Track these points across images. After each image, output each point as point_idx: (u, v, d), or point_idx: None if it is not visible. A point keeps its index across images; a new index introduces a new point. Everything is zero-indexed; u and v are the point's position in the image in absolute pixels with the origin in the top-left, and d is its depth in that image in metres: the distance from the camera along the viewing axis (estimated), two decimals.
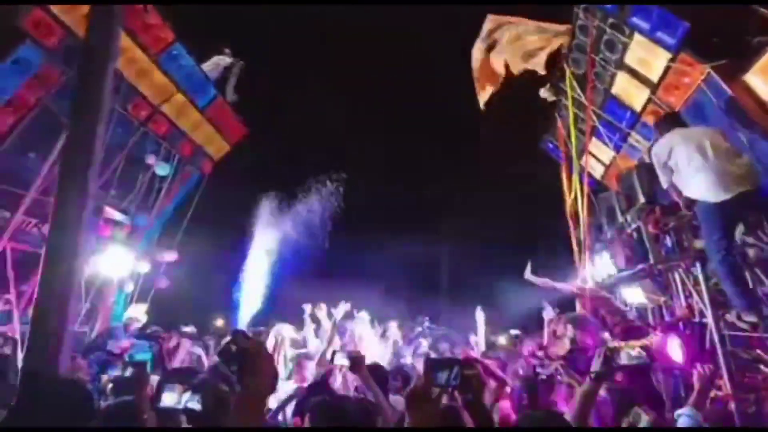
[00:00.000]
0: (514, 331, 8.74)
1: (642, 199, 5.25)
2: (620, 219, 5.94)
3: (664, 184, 4.07)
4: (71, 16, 5.54)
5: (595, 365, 2.28)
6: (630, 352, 2.41)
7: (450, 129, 11.40)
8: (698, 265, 4.32)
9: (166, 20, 6.70)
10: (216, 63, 8.65)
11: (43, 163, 5.84)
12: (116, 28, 3.87)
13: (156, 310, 7.65)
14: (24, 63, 5.39)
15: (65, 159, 3.59)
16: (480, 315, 6.06)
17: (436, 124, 11.49)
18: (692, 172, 3.74)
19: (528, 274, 5.68)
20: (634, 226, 5.47)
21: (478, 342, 6.04)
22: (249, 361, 1.37)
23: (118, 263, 6.96)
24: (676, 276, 4.92)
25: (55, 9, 5.41)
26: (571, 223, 6.91)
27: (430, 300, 10.86)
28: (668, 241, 4.96)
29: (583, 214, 6.50)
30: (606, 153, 7.21)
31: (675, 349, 3.44)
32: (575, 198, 6.95)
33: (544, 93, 7.09)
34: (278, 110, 9.36)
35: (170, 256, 8.14)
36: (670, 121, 4.24)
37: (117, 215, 7.31)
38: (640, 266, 5.21)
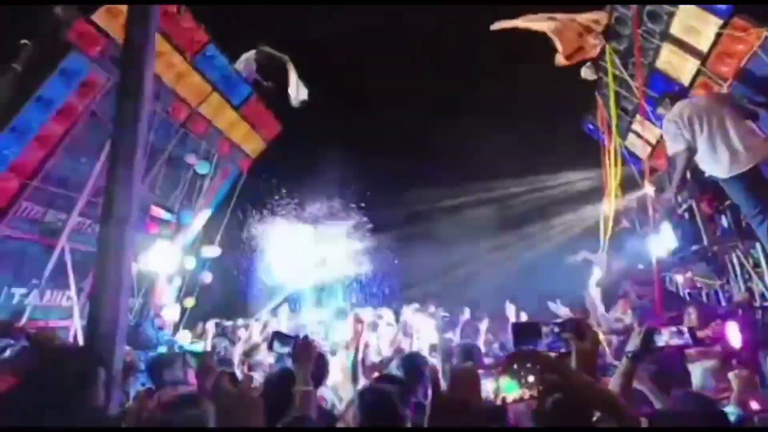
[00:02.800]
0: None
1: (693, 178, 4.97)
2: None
3: (670, 151, 3.89)
4: (112, 25, 5.77)
5: (633, 344, 2.14)
6: (672, 330, 2.23)
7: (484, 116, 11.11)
8: (758, 246, 4.05)
9: (200, 22, 6.89)
10: (246, 60, 8.78)
11: (94, 167, 6.15)
12: (153, 28, 4.00)
13: (201, 304, 8.00)
14: (71, 73, 5.68)
15: (112, 160, 3.77)
16: (510, 309, 5.83)
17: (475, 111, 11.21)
18: (708, 147, 3.57)
19: (582, 254, 5.38)
20: (685, 206, 5.18)
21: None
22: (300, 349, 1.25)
23: (166, 259, 7.27)
24: (734, 258, 4.63)
25: (97, 19, 5.66)
26: (611, 206, 6.63)
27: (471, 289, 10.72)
28: (724, 221, 4.67)
29: (612, 194, 6.22)
30: (653, 132, 6.85)
31: (733, 335, 3.25)
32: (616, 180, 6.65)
33: (585, 73, 6.79)
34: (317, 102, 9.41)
35: (213, 251, 8.43)
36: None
37: (163, 213, 7.63)
38: (693, 248, 4.93)
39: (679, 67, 5.43)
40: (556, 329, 1.56)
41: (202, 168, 8.12)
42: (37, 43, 5.38)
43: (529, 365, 1.17)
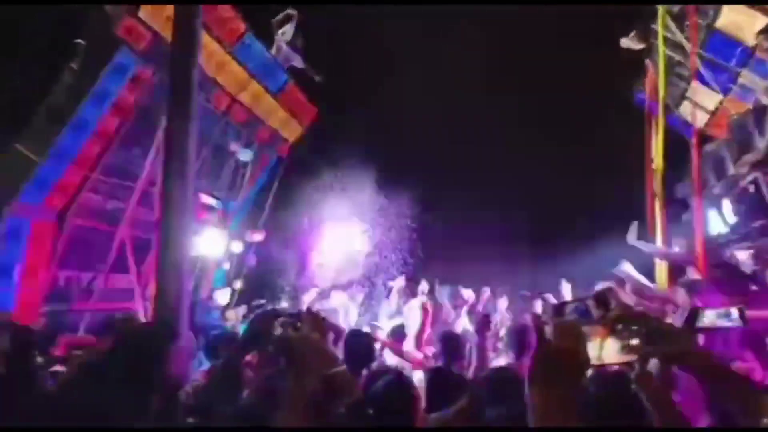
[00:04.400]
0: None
1: (761, 146, 4.69)
2: (732, 171, 5.37)
3: None
4: (157, 20, 6.00)
5: (677, 322, 2.12)
6: (717, 312, 2.15)
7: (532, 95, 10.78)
8: None
9: (238, 11, 7.05)
10: (278, 46, 8.88)
11: (147, 158, 6.49)
12: (197, 25, 4.16)
13: (249, 286, 8.38)
14: (122, 68, 5.98)
15: (166, 151, 4.00)
16: (567, 287, 5.70)
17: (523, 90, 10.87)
18: None
19: (632, 238, 5.23)
20: (750, 177, 4.92)
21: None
22: (296, 355, 1.19)
23: (214, 244, 7.63)
24: None
25: (143, 15, 5.89)
26: (656, 180, 6.36)
27: (511, 267, 10.64)
28: None
29: (658, 164, 5.95)
30: (711, 98, 6.47)
31: None
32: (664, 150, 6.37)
33: (626, 42, 6.48)
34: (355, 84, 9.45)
35: (258, 235, 8.77)
36: None
37: (210, 200, 7.98)
38: (757, 223, 4.71)
39: (744, 25, 5.06)
40: (583, 304, 1.58)
41: (245, 155, 8.40)
42: (90, 42, 5.67)
43: (635, 328, 1.14)
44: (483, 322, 2.92)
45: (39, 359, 2.63)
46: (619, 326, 1.14)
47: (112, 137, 6.12)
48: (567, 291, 5.75)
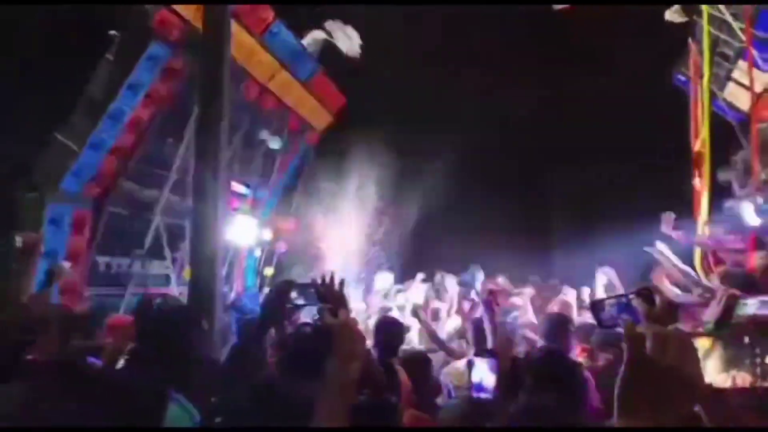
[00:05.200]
0: None
1: None
2: None
3: None
4: (189, 9, 6.06)
5: (713, 313, 1.97)
6: (759, 301, 2.00)
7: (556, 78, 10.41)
8: None
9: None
10: (314, 38, 8.89)
11: (179, 146, 6.63)
12: (228, 15, 4.18)
13: (279, 272, 8.52)
14: (155, 59, 6.08)
15: (198, 140, 4.06)
16: (601, 277, 5.42)
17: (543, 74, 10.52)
18: None
19: (667, 227, 4.99)
20: None
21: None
22: (340, 343, 1.15)
23: (246, 232, 7.75)
24: None
25: (175, 6, 5.96)
26: (697, 166, 6.05)
27: (540, 254, 10.40)
28: None
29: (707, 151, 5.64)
30: (760, 79, 6.07)
31: None
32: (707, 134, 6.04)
33: (670, 15, 6.13)
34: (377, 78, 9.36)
35: (288, 223, 8.88)
36: None
37: (241, 188, 8.10)
38: None
39: None
40: (624, 300, 1.49)
41: (275, 143, 8.47)
42: (125, 33, 5.79)
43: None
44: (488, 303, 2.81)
45: (85, 341, 2.72)
46: (724, 330, 0.99)
47: (146, 127, 6.26)
48: (602, 282, 5.50)
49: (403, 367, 2.52)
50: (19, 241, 2.90)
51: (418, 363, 2.87)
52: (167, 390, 1.92)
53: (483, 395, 2.39)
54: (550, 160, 11.26)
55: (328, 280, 1.76)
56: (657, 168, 9.20)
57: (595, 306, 1.57)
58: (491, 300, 2.90)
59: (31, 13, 5.38)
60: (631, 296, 1.45)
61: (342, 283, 1.77)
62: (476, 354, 3.04)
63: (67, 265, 4.05)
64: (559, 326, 3.11)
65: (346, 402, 1.10)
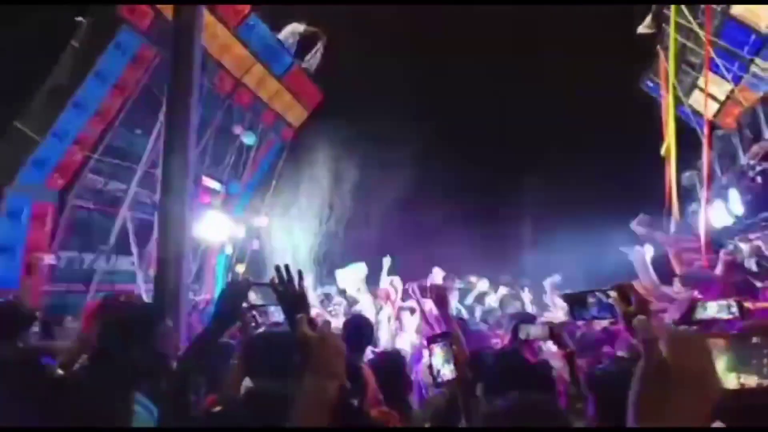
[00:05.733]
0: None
1: None
2: (741, 161, 5.28)
3: None
4: None
5: (675, 314, 2.03)
6: (718, 305, 2.05)
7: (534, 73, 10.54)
8: None
9: None
10: (292, 32, 8.76)
11: (149, 139, 6.42)
12: (199, 6, 4.05)
13: (252, 269, 8.37)
14: (124, 47, 5.87)
15: (167, 133, 3.93)
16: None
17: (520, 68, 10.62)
18: None
19: (636, 224, 5.10)
20: (759, 168, 4.84)
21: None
22: (316, 358, 1.07)
23: (217, 228, 7.57)
24: None
25: None
26: (668, 168, 6.26)
27: (512, 255, 10.56)
28: None
29: (672, 154, 5.84)
30: (721, 87, 6.33)
31: None
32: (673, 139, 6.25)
33: (642, 29, 6.32)
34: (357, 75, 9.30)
35: (261, 220, 8.72)
36: None
37: (213, 184, 7.92)
38: (763, 214, 4.63)
39: (758, 13, 4.94)
40: (604, 298, 1.50)
41: (249, 138, 8.30)
42: (92, 20, 5.57)
43: None
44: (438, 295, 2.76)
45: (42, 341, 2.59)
46: (755, 339, 0.97)
47: (113, 117, 6.04)
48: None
49: (375, 365, 2.50)
50: None
51: (391, 361, 2.84)
52: (131, 391, 1.85)
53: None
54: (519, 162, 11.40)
55: (285, 274, 1.65)
56: (626, 169, 9.47)
57: (573, 299, 1.55)
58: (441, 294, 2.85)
59: None
60: (609, 293, 1.44)
61: (301, 276, 1.66)
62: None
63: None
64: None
65: (321, 422, 1.02)
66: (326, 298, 5.78)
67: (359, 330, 3.05)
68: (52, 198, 5.64)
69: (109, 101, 5.91)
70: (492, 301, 5.87)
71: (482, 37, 10.16)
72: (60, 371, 2.43)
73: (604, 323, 3.05)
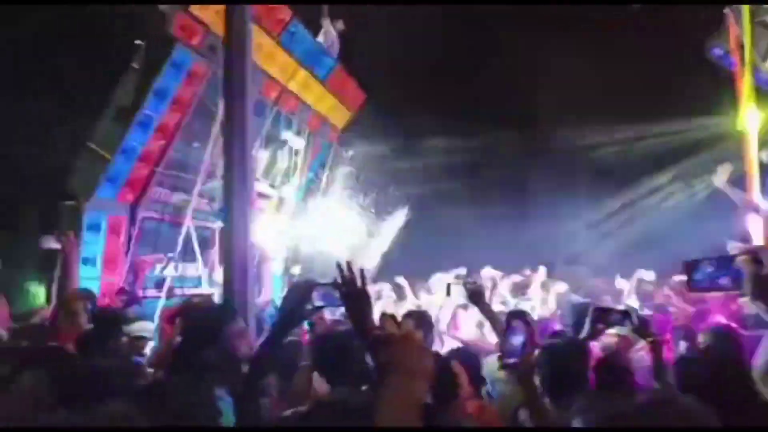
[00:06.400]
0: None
1: None
2: None
3: None
4: (208, 14, 6.15)
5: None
6: None
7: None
8: None
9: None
10: (326, 32, 8.87)
11: (205, 150, 6.75)
12: (248, 17, 4.21)
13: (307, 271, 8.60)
14: (178, 64, 6.20)
15: (226, 143, 4.12)
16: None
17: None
18: None
19: (720, 181, 4.55)
20: None
21: None
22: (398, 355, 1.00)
23: (272, 232, 7.86)
24: None
25: (194, 10, 6.06)
26: (746, 144, 5.76)
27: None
28: None
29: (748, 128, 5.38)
30: None
31: None
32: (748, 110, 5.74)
33: None
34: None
35: (312, 221, 8.94)
36: None
37: (267, 189, 8.20)
38: None
39: None
40: (725, 260, 1.42)
41: (297, 143, 8.53)
42: (149, 42, 5.92)
43: None
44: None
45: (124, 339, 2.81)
46: None
47: (173, 132, 6.40)
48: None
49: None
50: (48, 241, 2.98)
51: (467, 358, 2.84)
52: (213, 389, 1.96)
53: None
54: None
55: (347, 272, 1.64)
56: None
57: (690, 266, 1.51)
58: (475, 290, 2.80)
59: (59, 29, 5.56)
60: (736, 256, 1.37)
61: (363, 275, 1.65)
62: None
63: None
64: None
65: (411, 423, 0.95)
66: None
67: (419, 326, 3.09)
68: (124, 211, 6.09)
69: (168, 117, 6.27)
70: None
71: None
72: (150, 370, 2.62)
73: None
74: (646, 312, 4.17)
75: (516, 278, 6.22)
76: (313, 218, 8.99)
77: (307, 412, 1.47)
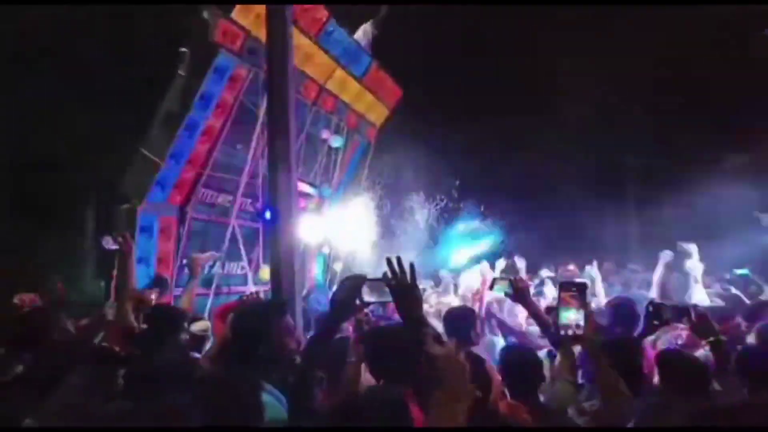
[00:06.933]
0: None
1: None
2: None
3: None
4: (248, 18, 6.29)
5: None
6: None
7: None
8: None
9: None
10: (365, 30, 8.90)
11: (249, 152, 6.92)
12: (289, 20, 4.28)
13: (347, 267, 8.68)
14: (221, 70, 6.38)
15: (270, 144, 4.20)
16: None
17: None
18: None
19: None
20: None
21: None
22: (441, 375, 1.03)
23: (314, 230, 7.96)
24: None
25: (235, 16, 6.21)
26: None
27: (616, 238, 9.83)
28: None
29: None
30: None
31: None
32: None
33: None
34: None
35: (353, 219, 9.00)
36: None
37: (307, 188, 8.33)
38: None
39: None
40: None
41: (336, 142, 8.61)
42: (193, 49, 6.12)
43: None
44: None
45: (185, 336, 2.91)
46: None
47: (218, 135, 6.60)
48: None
49: (507, 359, 2.47)
50: (108, 241, 3.12)
51: (524, 355, 2.78)
52: (260, 383, 2.00)
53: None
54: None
55: (396, 267, 1.62)
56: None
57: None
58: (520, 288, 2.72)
59: (113, 45, 5.88)
60: None
61: (413, 269, 1.63)
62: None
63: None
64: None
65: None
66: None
67: (460, 321, 3.06)
68: (174, 212, 6.35)
69: (213, 120, 6.46)
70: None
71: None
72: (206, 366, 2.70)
73: None
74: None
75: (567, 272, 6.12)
76: (352, 216, 9.05)
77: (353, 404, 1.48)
